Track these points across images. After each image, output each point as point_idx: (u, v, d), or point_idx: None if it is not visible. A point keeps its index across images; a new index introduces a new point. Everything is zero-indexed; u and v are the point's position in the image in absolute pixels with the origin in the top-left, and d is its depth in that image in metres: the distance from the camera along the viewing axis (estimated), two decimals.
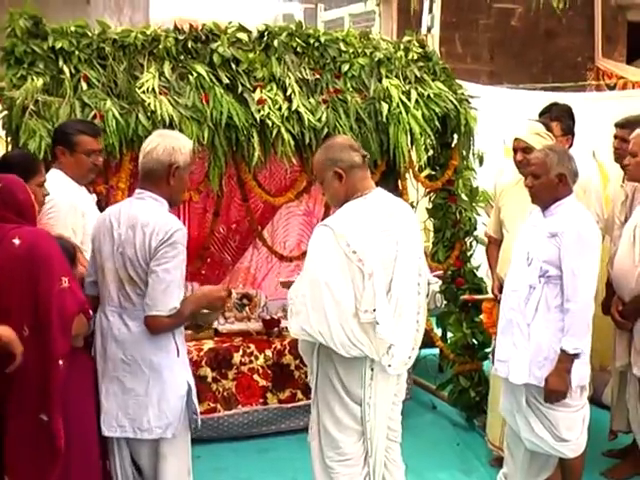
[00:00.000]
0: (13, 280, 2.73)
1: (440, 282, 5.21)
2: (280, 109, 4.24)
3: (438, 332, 5.30)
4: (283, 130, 4.20)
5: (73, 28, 4.05)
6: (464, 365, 4.92)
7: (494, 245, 4.36)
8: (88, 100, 3.90)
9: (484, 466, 4.39)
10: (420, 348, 3.23)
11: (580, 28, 9.41)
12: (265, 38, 4.43)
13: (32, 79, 3.85)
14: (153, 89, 4.02)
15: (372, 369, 3.06)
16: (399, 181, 4.81)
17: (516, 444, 3.67)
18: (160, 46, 4.17)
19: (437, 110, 4.62)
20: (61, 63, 3.96)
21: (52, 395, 2.74)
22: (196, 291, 3.17)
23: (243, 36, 4.36)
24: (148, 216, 2.96)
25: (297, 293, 3.04)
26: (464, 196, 4.94)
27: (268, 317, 4.87)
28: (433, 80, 4.75)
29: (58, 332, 2.74)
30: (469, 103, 4.82)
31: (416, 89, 4.62)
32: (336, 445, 3.12)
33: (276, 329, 4.78)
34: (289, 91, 4.31)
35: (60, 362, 2.74)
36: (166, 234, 2.92)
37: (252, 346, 4.64)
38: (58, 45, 3.96)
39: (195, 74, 4.15)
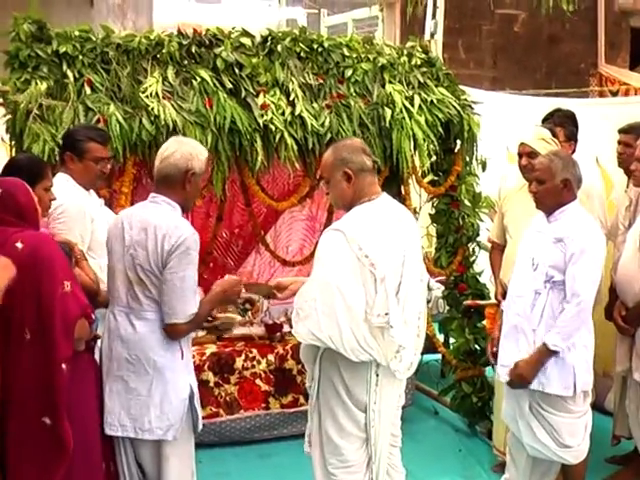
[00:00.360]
0: (15, 284, 2.72)
1: (443, 288, 5.21)
2: (283, 114, 4.24)
3: (440, 338, 5.29)
4: (286, 135, 4.21)
5: (77, 32, 4.05)
6: (466, 371, 4.91)
7: (497, 250, 4.36)
8: (92, 104, 3.91)
9: (486, 472, 4.38)
10: (422, 354, 3.23)
11: (583, 34, 9.41)
12: (268, 43, 4.43)
13: (36, 83, 3.86)
14: (157, 94, 4.02)
15: (377, 374, 3.04)
16: (402, 186, 4.80)
17: (518, 450, 3.66)
18: (164, 51, 4.17)
19: (440, 116, 4.63)
20: (65, 67, 3.97)
21: (56, 399, 2.75)
22: (213, 287, 3.20)
23: (246, 41, 4.36)
24: (161, 220, 2.99)
25: (306, 297, 2.99)
26: (467, 202, 4.93)
27: (270, 322, 4.86)
28: (436, 86, 4.75)
29: (61, 336, 2.75)
30: (472, 109, 4.82)
31: (419, 94, 4.62)
32: (339, 452, 3.10)
33: (278, 334, 4.77)
34: (292, 96, 4.32)
35: (63, 366, 2.75)
36: (178, 239, 2.94)
37: (254, 351, 4.63)
38: (62, 49, 3.96)
39: (199, 79, 4.15)
